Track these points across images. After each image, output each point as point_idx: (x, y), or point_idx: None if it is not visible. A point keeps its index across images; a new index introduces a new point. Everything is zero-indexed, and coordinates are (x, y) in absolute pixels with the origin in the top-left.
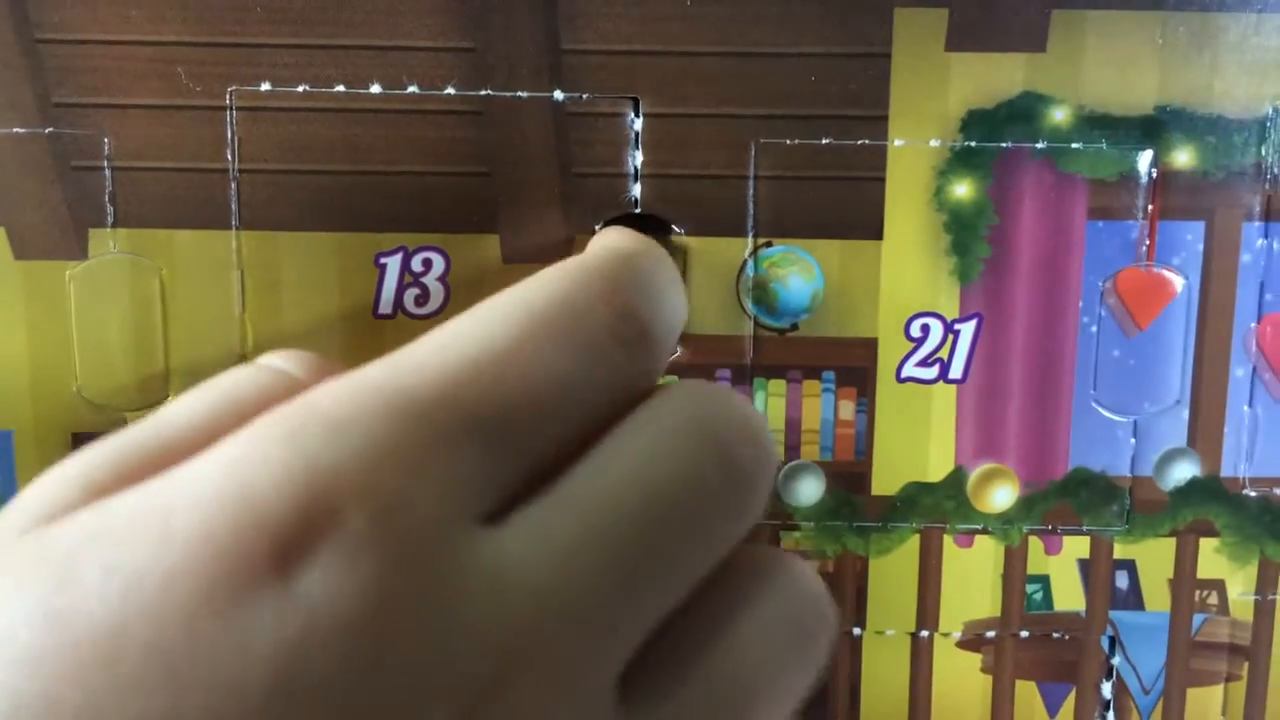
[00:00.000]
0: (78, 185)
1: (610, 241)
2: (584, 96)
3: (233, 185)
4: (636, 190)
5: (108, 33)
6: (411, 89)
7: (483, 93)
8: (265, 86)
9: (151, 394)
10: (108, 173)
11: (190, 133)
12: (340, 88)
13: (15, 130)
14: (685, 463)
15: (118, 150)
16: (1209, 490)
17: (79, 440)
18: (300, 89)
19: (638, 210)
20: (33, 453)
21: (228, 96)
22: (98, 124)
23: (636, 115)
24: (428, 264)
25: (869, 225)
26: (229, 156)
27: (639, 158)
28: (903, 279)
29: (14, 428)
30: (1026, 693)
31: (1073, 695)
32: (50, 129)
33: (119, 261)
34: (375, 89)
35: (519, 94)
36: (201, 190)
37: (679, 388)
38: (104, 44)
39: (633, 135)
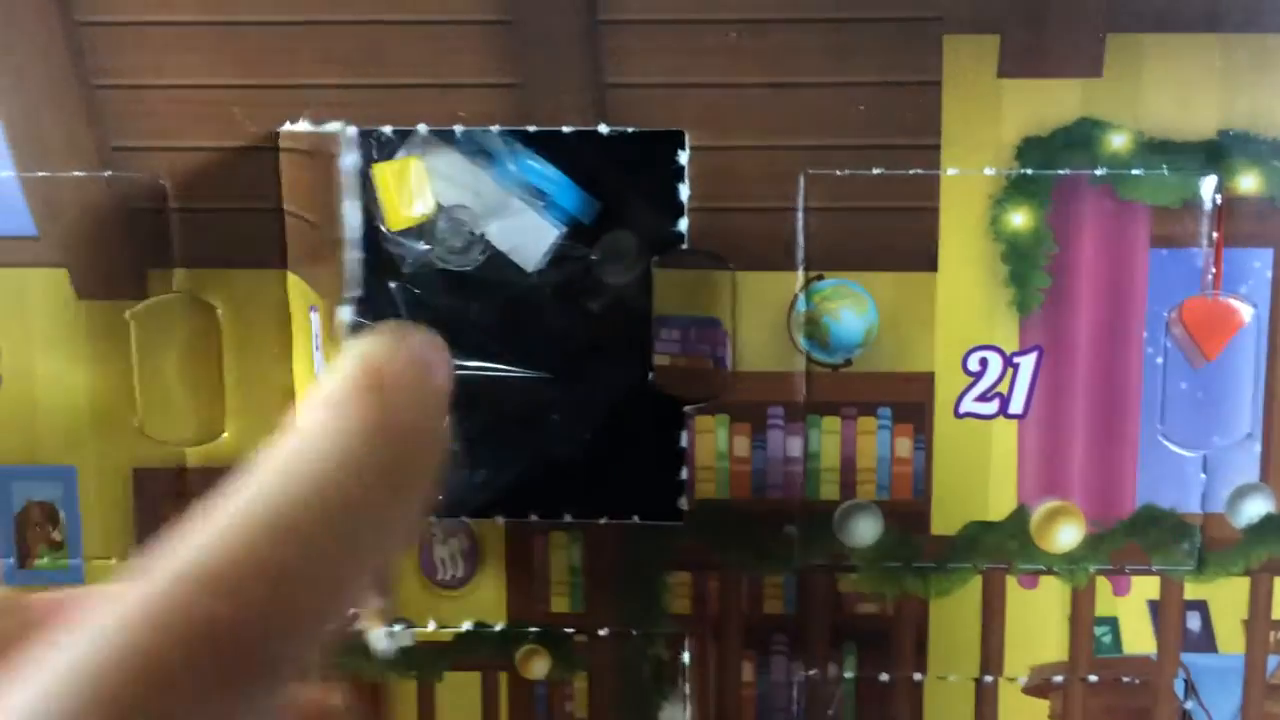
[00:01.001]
0: (136, 227)
1: None
2: (630, 130)
3: (282, 223)
4: (683, 225)
5: (163, 77)
6: (458, 126)
7: (530, 130)
8: (303, 125)
9: (210, 429)
10: (166, 215)
11: (243, 174)
12: (387, 128)
13: (75, 174)
14: None
15: (174, 192)
16: None
17: (140, 475)
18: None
19: (684, 245)
20: (94, 487)
21: (276, 138)
22: (154, 167)
23: (682, 149)
24: None
25: (923, 256)
26: (278, 196)
27: (685, 191)
28: (959, 311)
29: (77, 463)
30: None
31: None
32: (109, 172)
33: (177, 300)
34: (422, 128)
35: (563, 129)
36: (254, 229)
37: None
38: (160, 89)
39: (678, 169)
